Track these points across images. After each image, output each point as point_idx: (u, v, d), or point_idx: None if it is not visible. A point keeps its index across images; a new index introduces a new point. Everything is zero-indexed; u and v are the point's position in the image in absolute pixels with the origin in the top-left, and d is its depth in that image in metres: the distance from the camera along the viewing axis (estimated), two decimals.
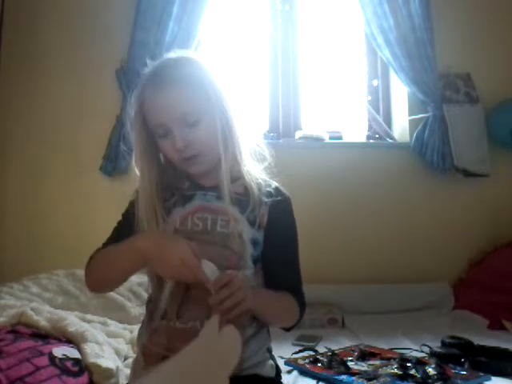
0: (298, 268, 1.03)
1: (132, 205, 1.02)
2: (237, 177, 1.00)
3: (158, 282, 0.97)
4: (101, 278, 0.97)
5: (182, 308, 0.93)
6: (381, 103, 2.53)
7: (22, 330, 1.27)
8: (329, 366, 1.33)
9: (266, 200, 0.99)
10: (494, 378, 1.30)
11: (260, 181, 1.02)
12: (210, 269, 0.85)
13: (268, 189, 1.01)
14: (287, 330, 1.03)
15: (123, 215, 1.05)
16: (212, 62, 1.00)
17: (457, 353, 1.45)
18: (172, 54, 1.00)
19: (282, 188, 1.05)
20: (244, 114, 1.03)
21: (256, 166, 1.03)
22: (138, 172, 1.01)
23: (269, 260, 1.00)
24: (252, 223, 0.97)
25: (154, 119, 0.95)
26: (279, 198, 1.01)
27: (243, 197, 0.99)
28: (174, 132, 0.94)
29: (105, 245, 1.01)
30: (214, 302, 0.82)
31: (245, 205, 0.98)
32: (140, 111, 0.97)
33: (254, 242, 0.97)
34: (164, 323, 0.94)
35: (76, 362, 1.16)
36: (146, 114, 0.96)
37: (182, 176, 1.04)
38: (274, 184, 1.04)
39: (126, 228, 1.00)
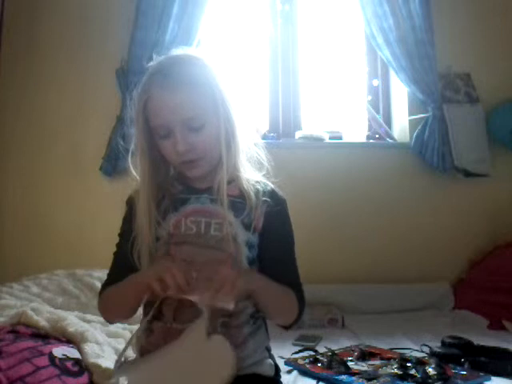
0: (295, 269, 1.02)
1: (130, 208, 1.01)
2: (232, 179, 0.99)
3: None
4: (115, 315, 1.04)
5: (178, 310, 0.93)
6: (381, 103, 2.53)
7: (22, 330, 1.27)
8: (329, 366, 1.33)
9: (261, 203, 0.98)
10: (493, 378, 1.30)
11: (256, 184, 1.01)
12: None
13: (264, 191, 1.00)
14: (286, 328, 1.03)
15: (120, 235, 1.03)
16: (218, 62, 0.98)
17: (457, 353, 1.45)
18: (179, 51, 0.98)
19: (277, 190, 1.03)
20: (245, 116, 1.01)
21: (253, 170, 1.03)
22: (134, 171, 0.99)
23: (265, 263, 0.99)
24: (247, 227, 0.96)
25: (157, 119, 0.93)
26: (275, 202, 1.00)
27: (238, 199, 0.98)
28: (177, 135, 0.92)
29: (109, 275, 1.02)
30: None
31: (240, 208, 0.97)
32: (143, 109, 0.94)
33: (249, 245, 0.96)
34: (161, 325, 0.94)
35: (76, 361, 1.16)
36: (150, 112, 0.94)
37: (174, 178, 1.03)
38: (270, 186, 1.03)
39: (126, 250, 0.98)
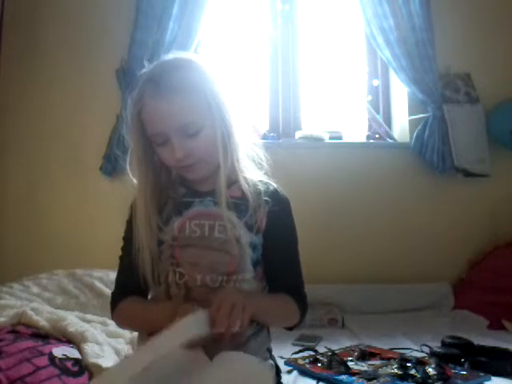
0: (299, 270, 1.03)
1: (132, 211, 1.01)
2: (234, 180, 0.99)
3: (161, 286, 0.97)
4: (134, 329, 1.11)
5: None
6: (381, 103, 2.53)
7: (22, 330, 1.27)
8: (329, 366, 1.33)
9: (264, 204, 0.98)
10: (493, 378, 1.30)
11: (258, 184, 1.01)
12: (198, 320, 0.82)
13: (266, 192, 1.00)
14: (289, 329, 1.03)
15: (125, 239, 1.03)
16: (210, 63, 0.98)
17: (457, 353, 1.45)
18: (170, 56, 0.97)
19: (280, 190, 1.04)
20: (243, 117, 1.01)
21: (254, 170, 1.03)
22: (133, 178, 1.00)
23: (269, 263, 1.00)
24: (250, 228, 0.97)
25: (152, 128, 0.93)
26: (277, 201, 1.00)
27: (241, 200, 0.98)
28: (174, 142, 0.92)
29: (118, 282, 1.02)
30: (217, 335, 0.81)
31: (243, 209, 0.97)
32: (138, 118, 0.94)
33: (253, 246, 0.97)
34: None
35: (76, 362, 1.16)
36: (145, 121, 0.94)
37: (177, 182, 1.03)
38: (273, 186, 1.03)
39: (131, 254, 0.97)
